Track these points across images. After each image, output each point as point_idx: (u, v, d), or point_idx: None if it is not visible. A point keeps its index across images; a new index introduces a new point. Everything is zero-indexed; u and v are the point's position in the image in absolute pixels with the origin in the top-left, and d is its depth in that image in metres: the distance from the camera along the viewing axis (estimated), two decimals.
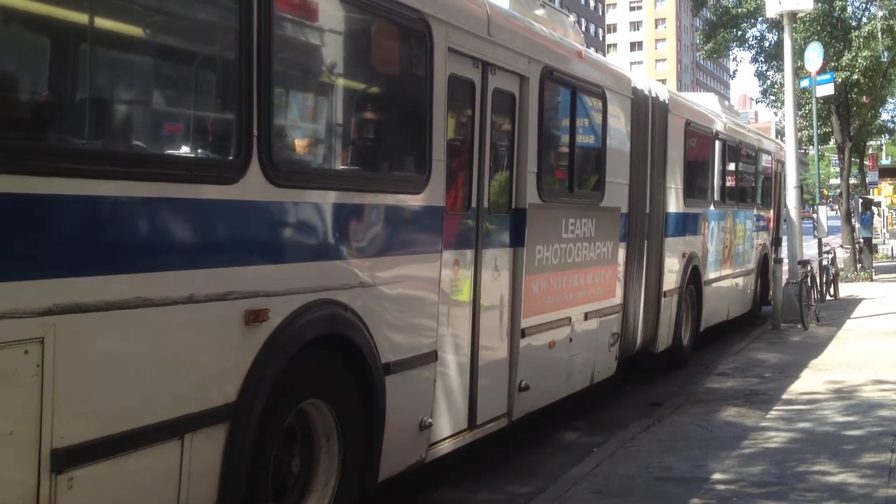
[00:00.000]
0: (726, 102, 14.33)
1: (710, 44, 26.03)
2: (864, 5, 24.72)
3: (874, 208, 31.57)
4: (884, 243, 38.85)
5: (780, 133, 28.47)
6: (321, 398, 4.57)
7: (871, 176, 35.65)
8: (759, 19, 24.26)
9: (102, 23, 3.58)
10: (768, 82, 27.08)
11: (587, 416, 8.06)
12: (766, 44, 25.84)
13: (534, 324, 6.75)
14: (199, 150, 4.01)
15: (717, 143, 12.21)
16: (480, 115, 6.00)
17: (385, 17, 5.12)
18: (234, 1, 3.89)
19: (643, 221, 9.23)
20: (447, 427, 5.73)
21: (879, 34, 22.97)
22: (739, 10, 24.44)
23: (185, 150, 3.95)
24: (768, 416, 7.79)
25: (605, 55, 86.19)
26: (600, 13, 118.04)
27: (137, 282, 3.41)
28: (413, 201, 5.25)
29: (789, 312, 13.70)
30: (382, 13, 5.05)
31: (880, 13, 23.66)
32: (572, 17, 8.88)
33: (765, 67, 26.65)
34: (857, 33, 23.25)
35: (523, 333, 6.58)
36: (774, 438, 7.00)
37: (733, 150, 13.04)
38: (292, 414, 4.41)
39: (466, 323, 5.92)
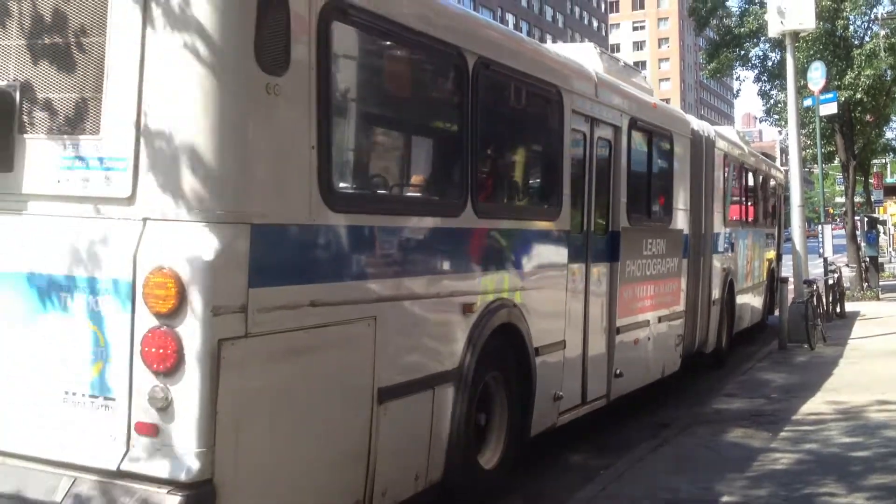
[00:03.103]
0: (741, 133, 15.75)
1: (714, 63, 26.06)
2: (866, 24, 24.78)
3: (880, 227, 31.51)
4: (890, 262, 38.75)
5: (784, 152, 28.46)
6: (498, 371, 6.10)
7: (877, 194, 35.63)
8: (762, 39, 24.25)
9: (430, 119, 5.97)
10: (772, 101, 27.06)
11: (594, 437, 8.04)
12: (769, 63, 25.79)
13: (625, 324, 8.35)
14: (445, 196, 5.82)
15: (742, 171, 14.01)
16: (588, 158, 7.69)
17: (535, 91, 6.88)
18: (458, 96, 5.73)
19: (699, 241, 10.97)
20: (569, 401, 7.29)
21: (882, 52, 22.99)
22: (742, 29, 24.44)
23: (437, 196, 5.86)
24: (775, 437, 7.76)
25: None
26: (603, 33, 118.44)
27: (415, 283, 5.15)
28: (551, 227, 6.99)
29: (795, 332, 13.66)
30: (533, 88, 6.81)
31: (882, 32, 23.71)
32: (645, 73, 10.93)
33: (768, 87, 26.61)
34: (859, 52, 23.23)
35: (618, 331, 8.17)
36: (781, 460, 6.99)
37: (752, 175, 14.83)
38: (483, 381, 5.88)
39: (580, 320, 7.49)
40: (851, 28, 24.35)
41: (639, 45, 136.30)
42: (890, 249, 46.00)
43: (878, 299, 22.59)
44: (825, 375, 10.92)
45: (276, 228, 4.10)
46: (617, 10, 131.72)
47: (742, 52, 25.80)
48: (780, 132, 34.67)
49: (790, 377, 11.09)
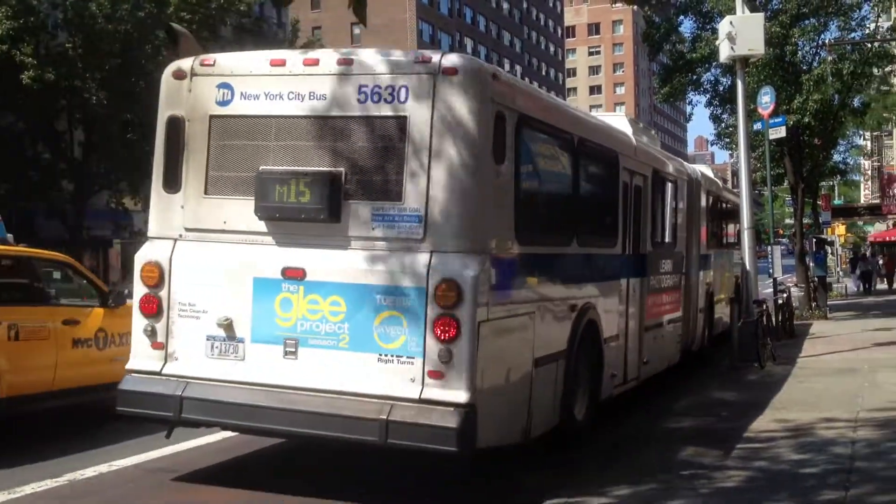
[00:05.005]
0: (712, 170, 17.90)
1: (667, 88, 26.36)
2: (814, 50, 25.26)
3: (828, 247, 32.07)
4: (838, 282, 39.46)
5: (735, 174, 28.92)
6: (584, 353, 8.34)
7: (825, 216, 36.32)
8: (713, 64, 24.59)
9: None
10: (723, 125, 27.50)
11: (547, 457, 8.03)
12: (721, 88, 26.13)
13: (650, 324, 10.96)
14: (564, 231, 8.26)
15: (718, 202, 16.16)
16: (629, 199, 10.18)
17: (603, 156, 9.46)
18: (569, 164, 8.42)
19: (690, 260, 13.39)
20: (618, 379, 9.75)
21: (829, 78, 23.47)
22: (694, 55, 24.73)
23: (561, 232, 8.21)
24: (727, 455, 7.83)
25: (565, 98, 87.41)
26: (560, 58, 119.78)
27: (550, 289, 7.75)
28: (612, 251, 9.61)
29: (746, 351, 13.82)
30: (603, 154, 9.41)
31: (830, 57, 24.19)
32: (654, 131, 14.24)
33: (719, 111, 26.95)
34: (807, 77, 23.64)
35: (646, 329, 10.74)
36: (733, 477, 7.05)
37: (724, 205, 16.90)
38: (578, 359, 8.13)
39: (624, 320, 9.95)
40: (800, 54, 24.82)
41: (594, 70, 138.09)
42: (837, 270, 46.89)
43: (826, 318, 23.00)
44: (774, 394, 11.06)
45: (500, 256, 6.66)
46: (573, 35, 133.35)
47: (694, 77, 26.10)
48: (730, 155, 35.30)
49: (740, 396, 11.22)
